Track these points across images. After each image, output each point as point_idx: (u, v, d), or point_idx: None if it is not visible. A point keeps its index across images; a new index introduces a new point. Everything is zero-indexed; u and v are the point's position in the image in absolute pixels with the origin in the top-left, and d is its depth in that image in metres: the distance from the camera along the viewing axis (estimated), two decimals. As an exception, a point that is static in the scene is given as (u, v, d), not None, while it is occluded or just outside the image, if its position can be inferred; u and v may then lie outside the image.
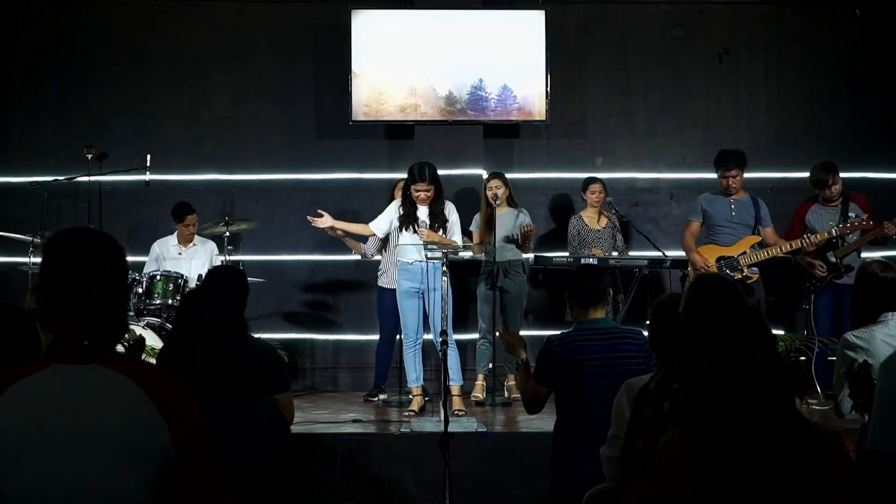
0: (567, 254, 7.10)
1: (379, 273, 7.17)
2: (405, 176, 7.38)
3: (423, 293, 6.24)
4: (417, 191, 6.22)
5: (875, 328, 3.74)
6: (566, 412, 3.99)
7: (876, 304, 3.78)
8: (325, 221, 6.50)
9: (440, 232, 6.21)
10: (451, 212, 6.35)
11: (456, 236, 6.30)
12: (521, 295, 7.00)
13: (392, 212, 6.38)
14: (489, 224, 6.80)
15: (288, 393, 3.92)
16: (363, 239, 7.21)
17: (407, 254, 6.21)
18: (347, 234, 7.05)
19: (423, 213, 6.27)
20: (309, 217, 6.55)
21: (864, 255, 6.84)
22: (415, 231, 6.21)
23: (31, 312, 3.01)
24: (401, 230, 6.28)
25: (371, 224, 6.52)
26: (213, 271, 4.25)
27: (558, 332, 4.20)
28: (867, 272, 3.84)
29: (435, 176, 6.26)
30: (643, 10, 8.26)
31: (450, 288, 6.10)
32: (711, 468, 2.04)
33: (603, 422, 3.74)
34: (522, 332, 6.91)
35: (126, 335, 5.77)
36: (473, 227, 7.00)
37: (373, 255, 7.24)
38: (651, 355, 3.93)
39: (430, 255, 5.91)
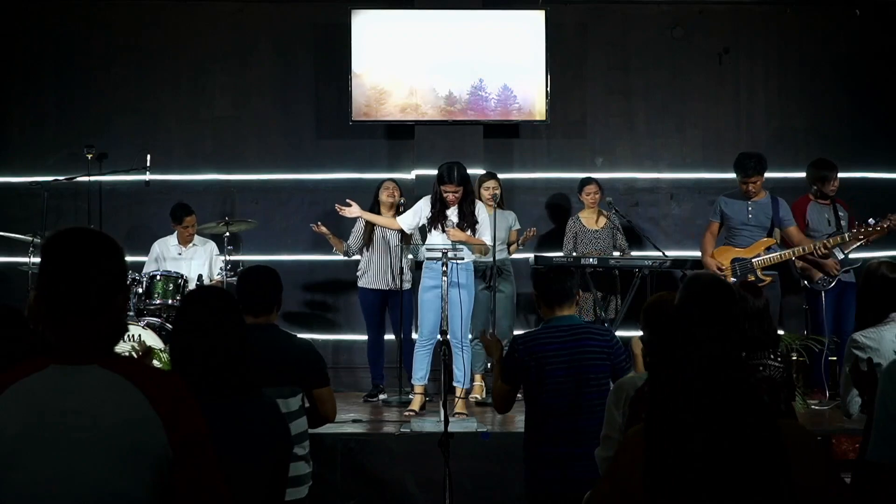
0: (566, 254, 7.12)
1: (359, 274, 7.15)
2: (399, 175, 7.40)
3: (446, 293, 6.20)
4: (446, 192, 6.17)
5: (884, 328, 3.73)
6: (532, 410, 4.03)
7: (884, 304, 3.77)
8: (354, 211, 6.55)
9: (468, 231, 6.19)
10: (481, 211, 6.33)
11: (485, 236, 6.25)
12: (513, 294, 7.05)
13: (421, 209, 6.34)
14: None
15: (326, 388, 3.92)
16: (345, 237, 7.21)
17: (433, 253, 6.17)
18: (332, 235, 7.12)
19: (452, 212, 6.24)
20: (337, 206, 6.58)
21: (854, 255, 6.82)
22: (443, 230, 6.18)
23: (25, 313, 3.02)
24: (429, 229, 6.25)
25: (399, 218, 6.51)
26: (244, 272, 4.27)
27: (524, 331, 4.23)
28: (876, 273, 3.83)
29: (465, 176, 6.22)
30: (643, 10, 8.26)
31: (472, 290, 6.13)
32: (665, 466, 2.02)
33: (566, 419, 3.80)
34: (519, 332, 6.92)
35: (137, 346, 5.81)
36: None
37: (354, 254, 7.21)
38: (619, 350, 3.97)
39: (429, 255, 5.91)
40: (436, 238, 6.18)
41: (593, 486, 3.44)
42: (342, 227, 7.43)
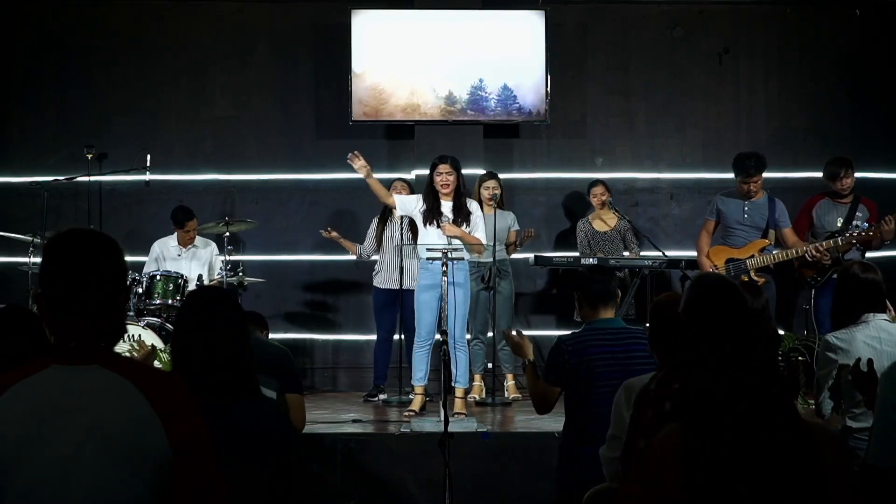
0: (568, 254, 7.13)
1: (374, 273, 7.17)
2: (400, 176, 7.41)
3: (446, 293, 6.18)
4: (439, 173, 6.14)
5: (856, 329, 3.73)
6: (576, 412, 3.99)
7: (857, 305, 3.78)
8: (361, 164, 6.13)
9: (463, 226, 6.17)
10: (475, 208, 6.29)
11: (479, 232, 6.21)
12: (511, 295, 7.04)
13: (416, 198, 6.29)
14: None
15: (299, 395, 3.91)
16: (354, 239, 7.21)
17: (432, 253, 6.14)
18: (343, 238, 7.11)
19: (446, 208, 6.21)
20: (350, 157, 6.16)
21: (872, 254, 6.80)
22: (438, 226, 6.16)
23: (34, 313, 3.02)
24: (424, 225, 6.23)
25: (396, 196, 6.39)
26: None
27: (569, 332, 4.21)
28: (848, 273, 3.84)
29: (457, 165, 6.21)
30: (643, 10, 8.26)
31: (468, 290, 6.11)
32: (704, 467, 2.04)
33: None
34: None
35: (138, 346, 5.80)
36: None
37: (369, 256, 7.23)
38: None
39: (430, 255, 5.89)
40: (431, 234, 6.16)
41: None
42: (354, 231, 7.45)
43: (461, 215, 6.17)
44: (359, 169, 6.16)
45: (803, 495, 2.03)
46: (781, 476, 2.03)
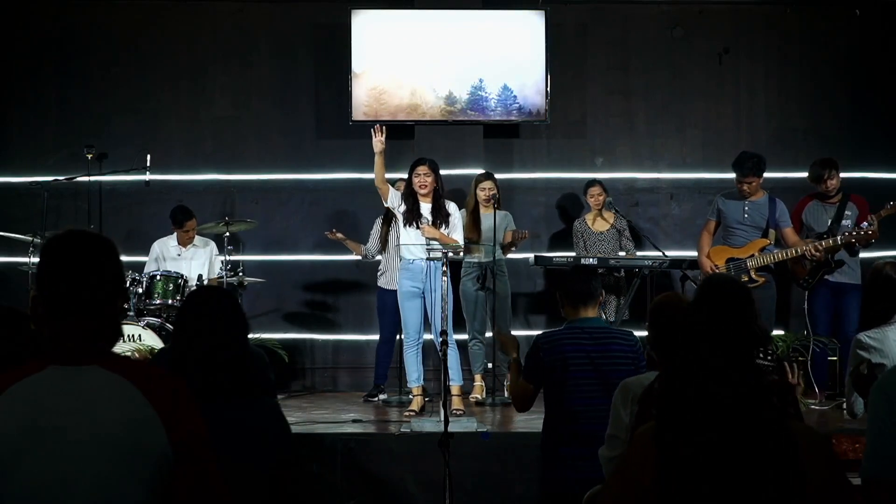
0: (568, 254, 7.13)
1: (379, 273, 7.19)
2: (399, 175, 7.42)
3: (424, 293, 6.24)
4: (417, 175, 6.22)
5: (888, 328, 3.72)
6: (553, 411, 4.02)
7: (888, 304, 3.77)
8: (380, 140, 6.17)
9: (442, 227, 6.21)
10: (454, 209, 6.35)
11: (457, 233, 6.28)
12: (508, 294, 7.04)
13: (400, 196, 6.33)
14: (476, 224, 6.83)
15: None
16: (359, 239, 7.23)
17: (408, 252, 6.21)
18: (348, 239, 7.16)
19: (425, 209, 6.26)
20: (375, 127, 6.24)
21: (864, 255, 6.82)
22: (418, 227, 6.20)
23: (25, 313, 3.02)
24: (404, 226, 6.27)
25: (392, 188, 6.38)
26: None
27: (547, 330, 4.22)
28: (880, 273, 3.83)
29: (435, 167, 6.28)
30: (643, 10, 8.26)
31: (450, 288, 6.10)
32: (675, 467, 2.03)
33: (589, 421, 3.79)
34: (519, 332, 6.94)
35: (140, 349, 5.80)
36: None
37: (374, 256, 7.25)
38: (642, 356, 3.95)
39: (431, 255, 5.91)
40: (410, 236, 6.21)
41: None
42: (355, 231, 7.44)
43: (440, 216, 6.23)
44: (376, 143, 6.17)
45: (779, 497, 2.00)
46: (752, 479, 1.99)
